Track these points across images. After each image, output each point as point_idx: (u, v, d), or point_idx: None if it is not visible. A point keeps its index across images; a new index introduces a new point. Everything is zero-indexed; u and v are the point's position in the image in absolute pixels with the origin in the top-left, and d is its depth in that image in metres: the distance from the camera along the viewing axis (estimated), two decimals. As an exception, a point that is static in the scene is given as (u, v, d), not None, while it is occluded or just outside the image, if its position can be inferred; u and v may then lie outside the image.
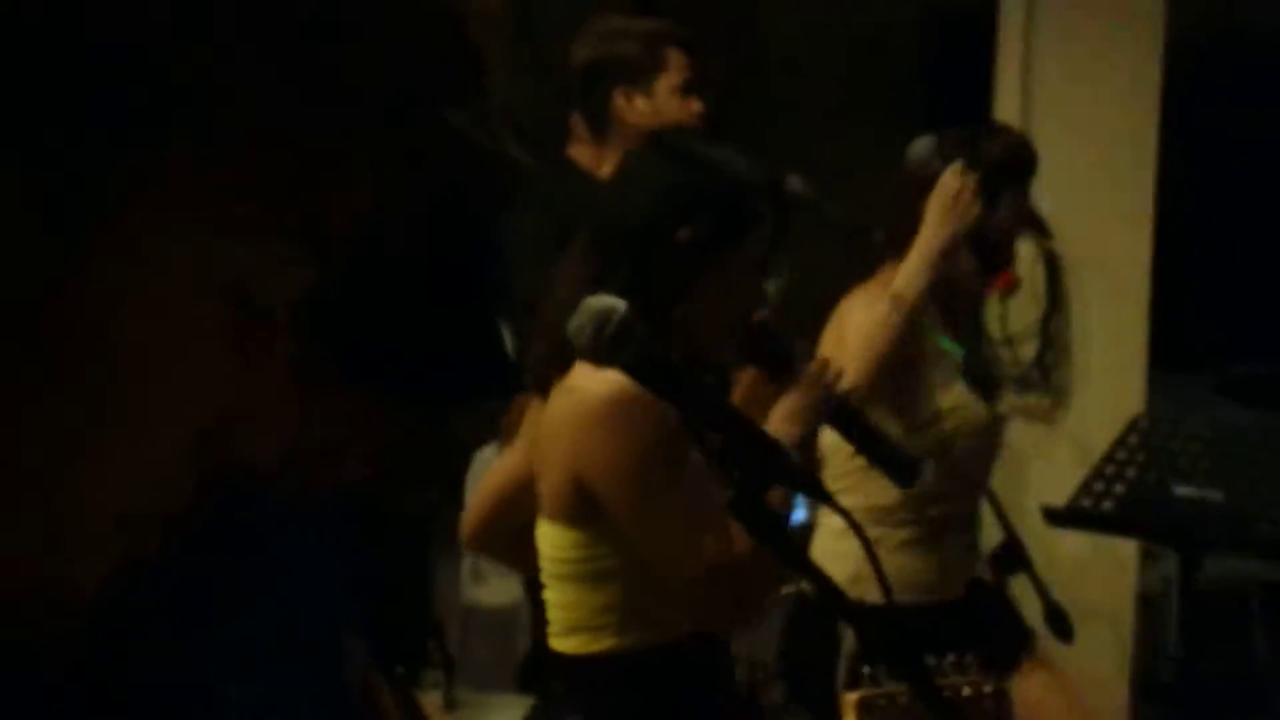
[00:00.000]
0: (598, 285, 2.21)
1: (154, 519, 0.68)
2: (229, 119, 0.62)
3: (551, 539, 2.47)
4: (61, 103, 0.60)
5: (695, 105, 3.77)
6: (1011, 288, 3.77)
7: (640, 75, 3.74)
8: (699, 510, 2.35)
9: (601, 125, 3.71)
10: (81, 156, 0.60)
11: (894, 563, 3.15)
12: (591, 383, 2.31)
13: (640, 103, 3.74)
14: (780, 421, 2.39)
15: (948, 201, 3.17)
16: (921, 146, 3.32)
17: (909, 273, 3.13)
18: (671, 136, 2.66)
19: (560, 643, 2.47)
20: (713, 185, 2.44)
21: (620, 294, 2.04)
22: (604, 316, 2.03)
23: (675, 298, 2.38)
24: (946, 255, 3.17)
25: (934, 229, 3.16)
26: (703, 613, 2.43)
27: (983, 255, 3.30)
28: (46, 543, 0.66)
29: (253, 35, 0.62)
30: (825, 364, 2.49)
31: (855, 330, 3.15)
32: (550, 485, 2.45)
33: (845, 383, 2.56)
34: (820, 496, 2.05)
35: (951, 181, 3.20)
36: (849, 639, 2.97)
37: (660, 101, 3.75)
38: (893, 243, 3.28)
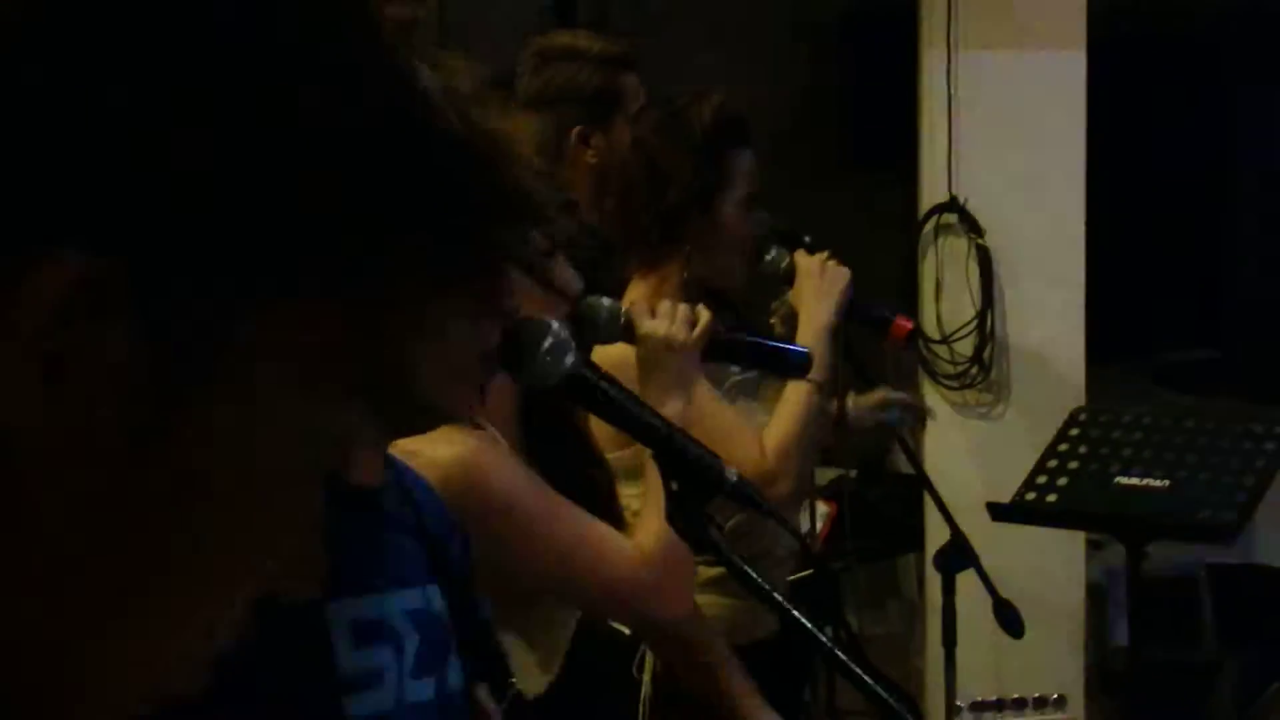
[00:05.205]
0: None
1: (200, 663, 0.65)
2: (311, 266, 0.61)
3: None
4: (196, 253, 0.57)
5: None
6: (905, 333, 3.57)
7: (600, 112, 3.44)
8: (593, 521, 2.29)
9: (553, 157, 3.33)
10: (211, 306, 0.58)
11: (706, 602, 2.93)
12: (431, 446, 1.99)
13: (597, 140, 3.45)
14: (660, 394, 2.41)
15: (815, 279, 3.22)
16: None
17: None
18: None
19: None
20: None
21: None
22: (538, 334, 2.02)
23: None
24: (833, 330, 3.18)
25: (813, 308, 3.19)
26: (651, 602, 2.36)
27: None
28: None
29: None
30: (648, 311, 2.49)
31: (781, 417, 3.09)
32: None
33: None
34: (759, 508, 2.04)
35: (808, 261, 3.25)
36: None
37: (615, 138, 3.43)
38: (644, 260, 3.18)
